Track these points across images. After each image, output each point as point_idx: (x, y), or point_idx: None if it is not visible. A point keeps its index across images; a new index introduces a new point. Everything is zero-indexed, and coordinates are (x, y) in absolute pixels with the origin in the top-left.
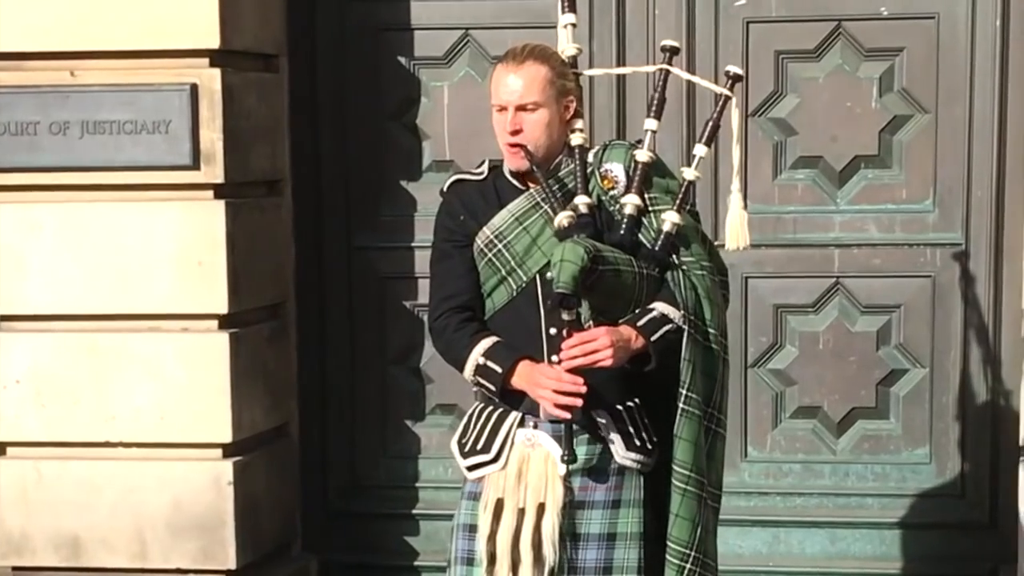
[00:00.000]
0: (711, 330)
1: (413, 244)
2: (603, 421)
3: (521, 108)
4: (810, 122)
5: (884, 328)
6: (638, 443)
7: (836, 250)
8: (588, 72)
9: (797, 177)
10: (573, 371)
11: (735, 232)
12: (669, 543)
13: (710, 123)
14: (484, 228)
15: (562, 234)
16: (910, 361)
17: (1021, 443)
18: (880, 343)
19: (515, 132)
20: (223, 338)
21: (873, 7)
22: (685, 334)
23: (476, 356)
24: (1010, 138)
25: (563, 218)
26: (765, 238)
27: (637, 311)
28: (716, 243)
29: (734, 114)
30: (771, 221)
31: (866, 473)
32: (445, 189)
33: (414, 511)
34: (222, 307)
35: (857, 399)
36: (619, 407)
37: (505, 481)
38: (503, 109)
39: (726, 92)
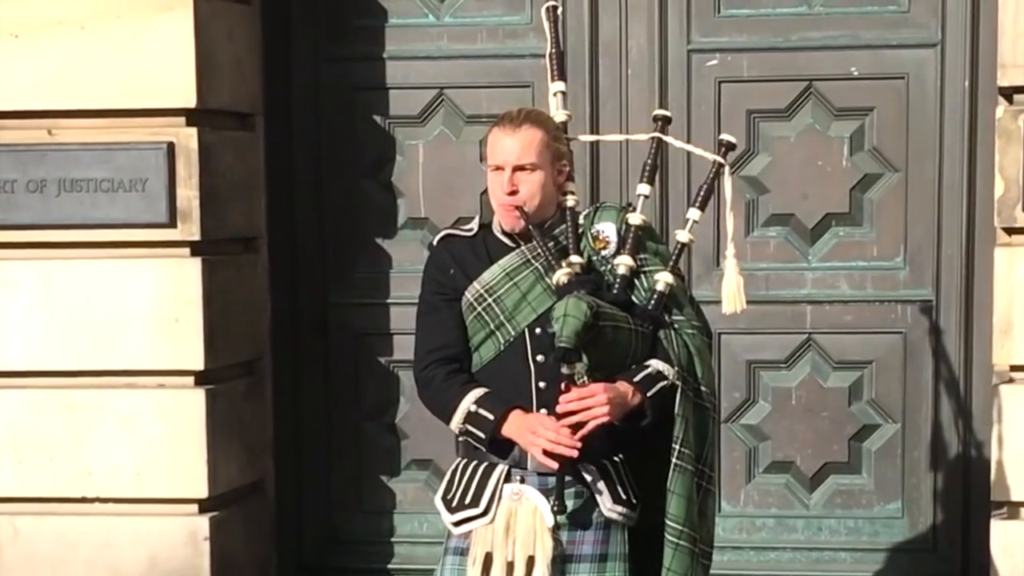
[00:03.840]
0: (703, 388)
1: (388, 300)
2: (590, 477)
3: (519, 168)
4: (782, 180)
5: (856, 384)
6: (624, 497)
7: (808, 306)
8: (583, 138)
9: (769, 234)
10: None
11: (731, 296)
12: None
13: (703, 188)
14: (474, 283)
15: (562, 290)
16: (882, 416)
17: (993, 497)
18: (852, 399)
19: (512, 193)
20: (199, 394)
21: (843, 67)
22: (679, 390)
23: (468, 404)
24: (979, 195)
25: (562, 275)
26: None
27: (632, 367)
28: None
29: (727, 181)
30: (743, 278)
31: (839, 528)
32: (435, 243)
33: (390, 566)
34: (198, 363)
35: (830, 454)
36: (605, 461)
37: (493, 535)
38: (499, 169)
39: (719, 159)
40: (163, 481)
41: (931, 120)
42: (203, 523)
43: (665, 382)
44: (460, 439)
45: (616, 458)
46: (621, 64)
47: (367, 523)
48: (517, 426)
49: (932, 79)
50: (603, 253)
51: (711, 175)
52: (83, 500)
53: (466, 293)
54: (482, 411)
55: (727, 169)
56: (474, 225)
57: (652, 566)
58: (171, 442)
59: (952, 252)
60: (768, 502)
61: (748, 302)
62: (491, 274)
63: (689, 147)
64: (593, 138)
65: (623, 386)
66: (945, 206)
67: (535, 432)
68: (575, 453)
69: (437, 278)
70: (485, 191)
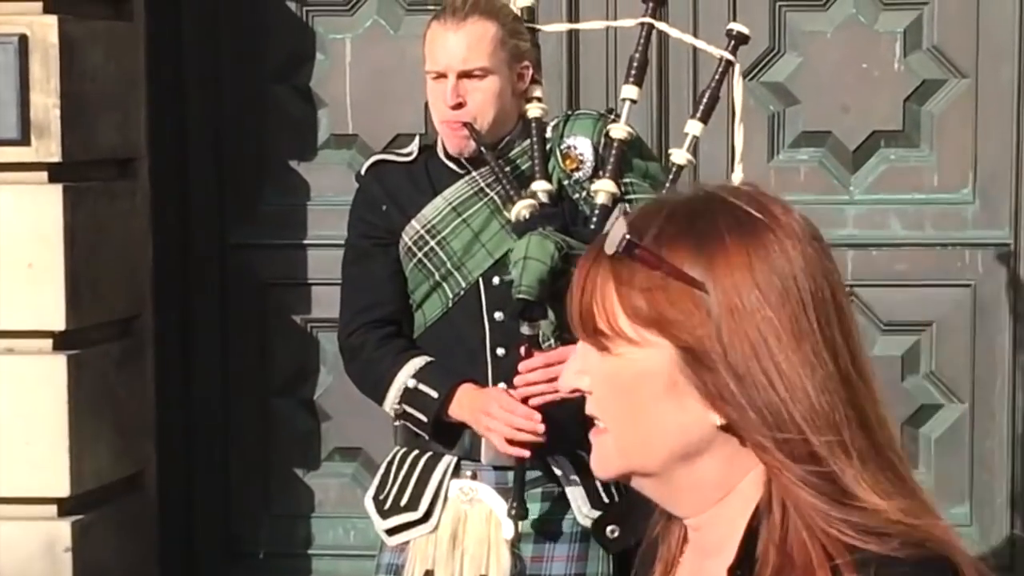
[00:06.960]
0: None
1: (305, 241)
2: (560, 472)
3: (465, 75)
4: (816, 88)
5: (911, 351)
6: (606, 500)
7: (849, 251)
8: (548, 28)
9: (799, 158)
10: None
11: None
12: None
13: (707, 94)
14: (412, 221)
15: (522, 227)
16: (945, 394)
17: None
18: (906, 371)
19: (457, 106)
20: (59, 361)
21: None
22: None
23: (404, 379)
24: None
25: (523, 208)
26: None
27: None
28: None
29: (737, 84)
30: None
31: None
32: (363, 173)
33: None
34: (58, 322)
35: None
36: (582, 452)
37: (436, 548)
38: (442, 77)
39: (727, 56)
40: (12, 475)
41: (1008, 11)
42: (64, 529)
43: None
44: (397, 423)
45: None
46: None
47: (277, 530)
48: (468, 406)
49: None
50: (576, 176)
51: (716, 76)
52: None
53: (403, 235)
54: (423, 387)
55: (737, 68)
56: (413, 148)
57: None
58: (22, 424)
59: None
60: None
61: None
62: (434, 209)
63: (688, 38)
64: (563, 27)
65: None
66: None
67: (491, 413)
68: (541, 438)
69: (366, 217)
70: None
